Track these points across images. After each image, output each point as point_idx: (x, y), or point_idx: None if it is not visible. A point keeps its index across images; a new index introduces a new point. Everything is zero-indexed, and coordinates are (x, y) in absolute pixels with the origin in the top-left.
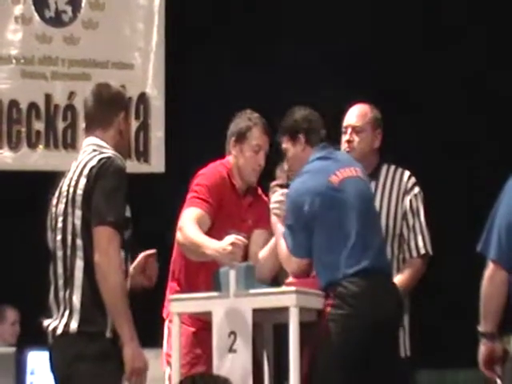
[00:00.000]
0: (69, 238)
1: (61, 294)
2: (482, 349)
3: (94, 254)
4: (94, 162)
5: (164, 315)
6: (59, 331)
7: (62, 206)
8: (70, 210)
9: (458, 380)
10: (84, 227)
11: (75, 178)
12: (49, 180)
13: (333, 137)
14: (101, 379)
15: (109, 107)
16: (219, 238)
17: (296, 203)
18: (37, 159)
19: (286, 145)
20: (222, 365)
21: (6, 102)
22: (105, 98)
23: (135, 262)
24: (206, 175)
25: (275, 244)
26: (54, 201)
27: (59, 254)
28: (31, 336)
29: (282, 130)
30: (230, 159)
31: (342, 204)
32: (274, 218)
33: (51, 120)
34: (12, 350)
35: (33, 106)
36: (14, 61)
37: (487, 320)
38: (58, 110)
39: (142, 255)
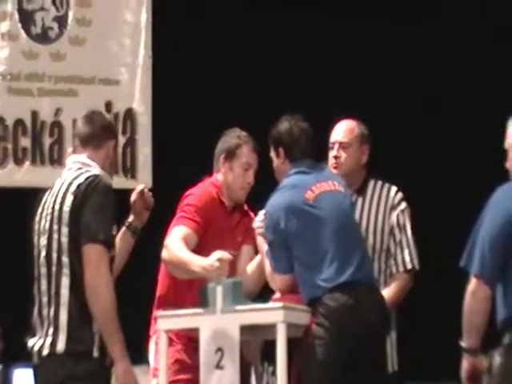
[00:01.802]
0: (54, 255)
1: (45, 311)
2: (465, 364)
3: (85, 272)
4: (81, 180)
5: (151, 332)
6: (46, 352)
7: (46, 224)
8: (55, 227)
9: None
10: (71, 245)
11: (61, 195)
12: (35, 196)
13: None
14: None
15: (101, 133)
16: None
17: (273, 219)
18: (23, 175)
19: (272, 153)
20: (209, 381)
21: None
22: (98, 124)
23: (133, 204)
24: (196, 196)
25: (261, 260)
26: (37, 217)
27: (43, 271)
28: (17, 353)
29: (269, 138)
30: (218, 177)
31: (317, 220)
32: (259, 238)
33: (38, 136)
34: None
35: (19, 122)
36: (0, 77)
37: (470, 336)
38: (45, 126)
39: (134, 196)
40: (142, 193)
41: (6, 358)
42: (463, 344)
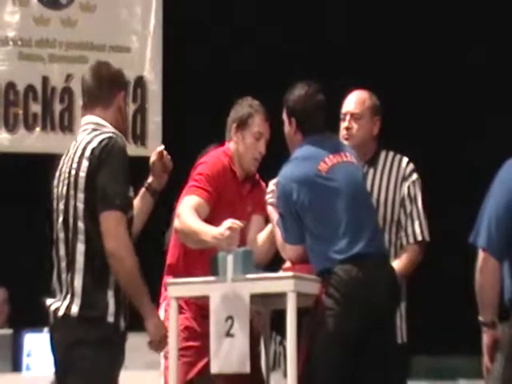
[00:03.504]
0: (71, 220)
1: (63, 276)
2: (485, 338)
3: (105, 239)
4: (95, 143)
5: (160, 300)
6: (60, 313)
7: (63, 188)
8: (72, 192)
9: (455, 367)
10: (87, 210)
11: (76, 159)
12: (45, 162)
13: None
14: (100, 364)
15: (109, 86)
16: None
17: (285, 191)
18: (34, 141)
19: (284, 117)
20: (219, 349)
21: (3, 84)
22: (105, 77)
23: (152, 166)
24: (208, 164)
25: (271, 229)
26: (55, 182)
27: (61, 236)
28: (28, 318)
29: (283, 102)
30: (230, 146)
31: (331, 192)
32: (270, 207)
33: (48, 102)
34: (9, 331)
35: (30, 88)
36: (11, 43)
37: (485, 310)
38: (55, 92)
39: (154, 157)
40: (161, 154)
41: (16, 323)
42: (481, 318)
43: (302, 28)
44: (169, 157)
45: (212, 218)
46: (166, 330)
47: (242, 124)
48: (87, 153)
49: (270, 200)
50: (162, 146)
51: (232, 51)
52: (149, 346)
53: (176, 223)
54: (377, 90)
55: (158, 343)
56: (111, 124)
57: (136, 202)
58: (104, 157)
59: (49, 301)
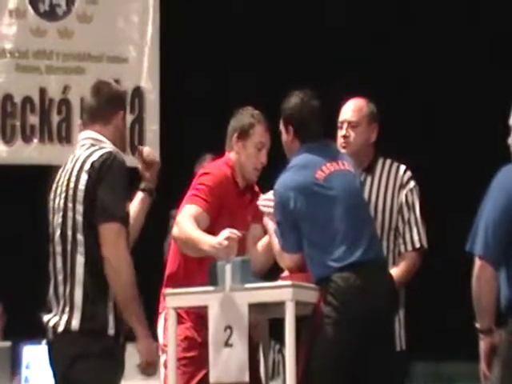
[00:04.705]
0: (69, 233)
1: (60, 289)
2: (482, 344)
3: (103, 251)
4: (94, 157)
5: (160, 309)
6: (61, 328)
7: (60, 201)
8: (70, 204)
9: (454, 373)
10: (86, 223)
11: (75, 173)
12: (43, 174)
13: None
14: (102, 377)
15: (109, 104)
16: None
17: (282, 199)
18: (31, 153)
19: (281, 127)
20: (218, 359)
21: (0, 95)
22: (106, 95)
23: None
24: (211, 175)
25: (268, 240)
26: (51, 195)
27: (58, 249)
28: (26, 330)
29: (281, 111)
30: (231, 156)
31: (329, 200)
32: (265, 219)
33: (46, 114)
34: (7, 344)
35: (27, 99)
36: (8, 54)
37: (482, 317)
38: (53, 103)
39: (139, 165)
40: (141, 154)
41: (15, 335)
42: (478, 325)
43: (301, 24)
44: (148, 151)
45: (213, 228)
46: (156, 356)
47: (244, 134)
48: (87, 166)
49: (266, 210)
50: (141, 147)
51: (231, 59)
52: (138, 368)
53: (175, 231)
54: (376, 98)
55: (148, 366)
56: (109, 140)
57: (133, 205)
58: (104, 170)
59: (46, 316)
